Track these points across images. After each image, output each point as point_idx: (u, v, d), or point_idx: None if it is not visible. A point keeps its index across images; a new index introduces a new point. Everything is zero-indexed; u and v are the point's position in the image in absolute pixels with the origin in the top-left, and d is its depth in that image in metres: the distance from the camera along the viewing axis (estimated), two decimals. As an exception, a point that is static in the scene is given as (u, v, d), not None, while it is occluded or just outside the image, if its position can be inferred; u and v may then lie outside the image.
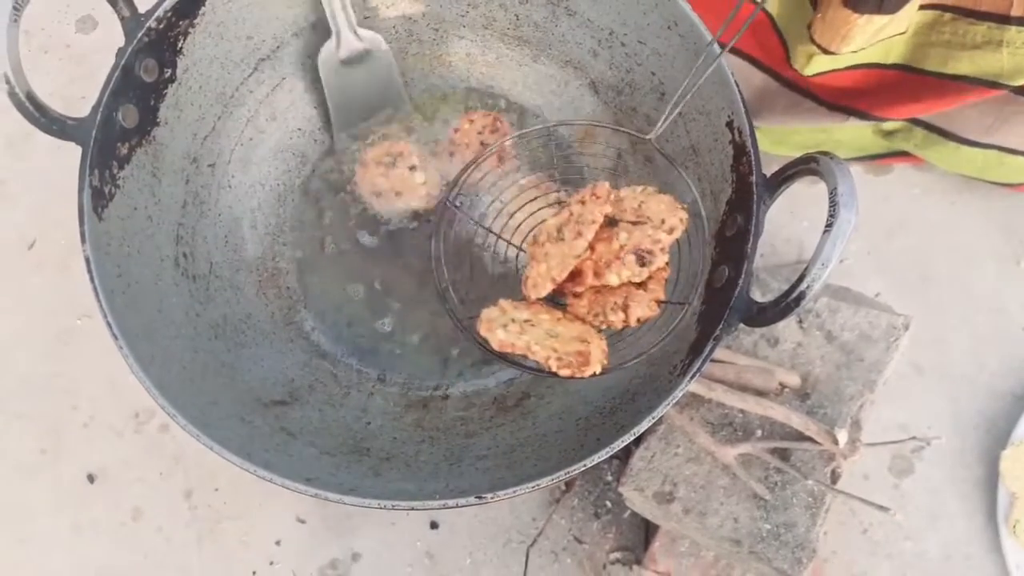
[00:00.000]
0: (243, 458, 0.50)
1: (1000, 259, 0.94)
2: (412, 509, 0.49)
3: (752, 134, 0.57)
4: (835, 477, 0.74)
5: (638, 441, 0.77)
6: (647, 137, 0.62)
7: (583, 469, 0.53)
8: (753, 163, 0.56)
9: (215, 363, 0.63)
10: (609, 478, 0.86)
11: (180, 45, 0.62)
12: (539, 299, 0.62)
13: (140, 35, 0.56)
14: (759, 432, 0.75)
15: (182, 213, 0.66)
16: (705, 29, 0.59)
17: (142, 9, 0.58)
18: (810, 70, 0.79)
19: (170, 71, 0.62)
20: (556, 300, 0.62)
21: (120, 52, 0.56)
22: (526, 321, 0.59)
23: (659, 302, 0.59)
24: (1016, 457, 0.84)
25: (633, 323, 0.59)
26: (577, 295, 0.61)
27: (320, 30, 0.73)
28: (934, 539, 0.85)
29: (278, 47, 0.71)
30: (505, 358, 0.60)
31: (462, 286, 0.67)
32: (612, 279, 0.59)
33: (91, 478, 0.88)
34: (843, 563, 0.84)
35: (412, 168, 0.76)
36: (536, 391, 0.71)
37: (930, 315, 0.92)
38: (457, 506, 0.50)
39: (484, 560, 0.85)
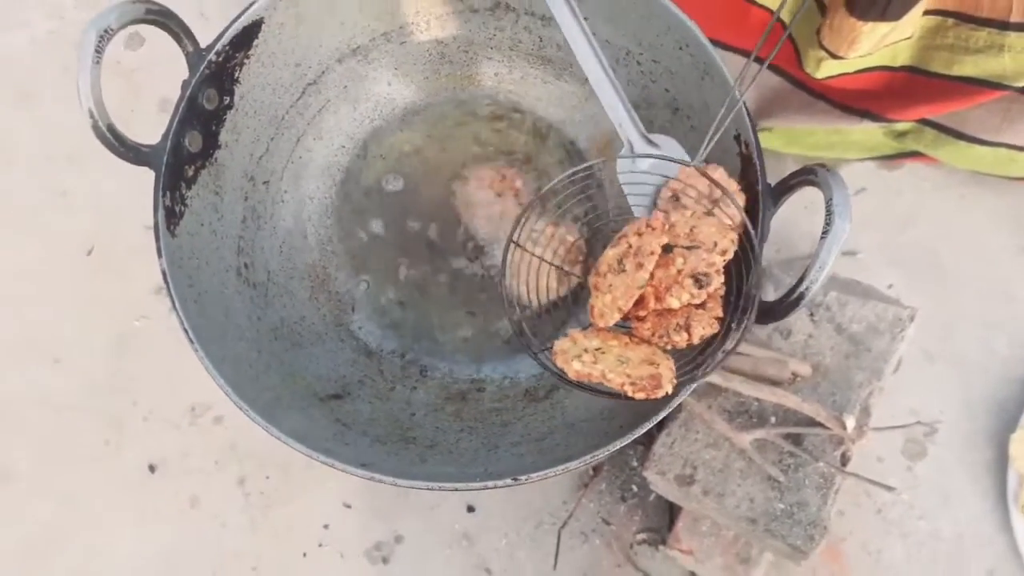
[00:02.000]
0: (307, 447, 0.57)
1: (1009, 249, 0.97)
2: (456, 490, 0.56)
3: (758, 147, 0.62)
4: (845, 460, 0.78)
5: (660, 428, 0.81)
6: (692, 164, 0.64)
7: (607, 454, 0.59)
8: (759, 173, 0.61)
9: (276, 362, 0.69)
10: (634, 463, 0.90)
11: (237, 75, 0.67)
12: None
13: (202, 68, 0.63)
14: (773, 419, 0.79)
15: (242, 227, 0.72)
16: (712, 50, 0.65)
17: (203, 44, 0.64)
18: (821, 73, 0.82)
19: (228, 99, 0.68)
20: (620, 324, 0.64)
21: (185, 84, 0.62)
22: (597, 349, 0.62)
23: (719, 319, 0.62)
24: None
25: (696, 341, 0.61)
26: (640, 319, 0.63)
27: (360, 54, 0.79)
28: (946, 519, 0.88)
29: (323, 72, 0.76)
30: (581, 386, 0.62)
31: (529, 317, 0.69)
32: (673, 303, 0.61)
33: (152, 468, 0.93)
34: (859, 542, 0.88)
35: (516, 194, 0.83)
36: (563, 384, 0.75)
37: (941, 304, 0.95)
38: (496, 487, 0.56)
39: (518, 541, 0.89)
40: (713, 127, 0.62)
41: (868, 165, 1.00)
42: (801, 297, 0.55)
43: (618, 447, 0.59)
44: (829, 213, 0.55)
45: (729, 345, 0.60)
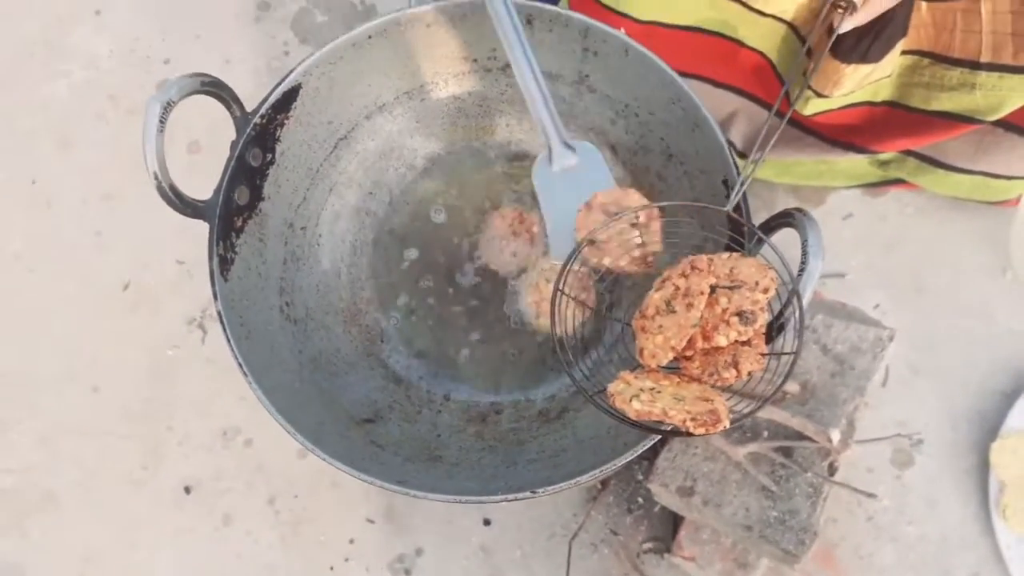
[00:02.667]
0: (350, 467, 0.64)
1: (987, 270, 1.02)
2: (481, 503, 0.64)
3: (744, 193, 0.69)
4: (832, 470, 0.84)
5: (663, 444, 0.87)
6: (724, 209, 0.69)
7: (615, 467, 0.65)
8: (744, 215, 0.68)
9: (316, 390, 0.76)
10: (640, 477, 0.94)
11: (278, 134, 0.75)
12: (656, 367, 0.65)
13: (248, 130, 0.71)
14: (765, 433, 0.85)
15: (283, 269, 0.79)
16: (701, 105, 0.72)
17: (248, 108, 0.72)
18: (809, 110, 0.87)
19: (271, 155, 0.75)
20: (667, 366, 0.65)
21: (233, 145, 0.70)
22: (651, 389, 0.62)
23: (764, 355, 0.63)
24: (1004, 448, 0.92)
25: (744, 376, 0.62)
26: (688, 358, 0.65)
27: (386, 111, 0.86)
28: (933, 523, 0.93)
29: (353, 128, 0.83)
30: (640, 425, 0.62)
31: (577, 357, 0.69)
32: (721, 340, 0.63)
33: (187, 489, 0.98)
34: (851, 547, 0.93)
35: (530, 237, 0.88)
36: (574, 405, 0.82)
37: (925, 322, 1.00)
38: (516, 499, 0.63)
39: (532, 552, 0.94)
40: (740, 180, 0.69)
41: (855, 192, 1.05)
42: (783, 326, 0.62)
43: (625, 461, 0.65)
44: (804, 253, 0.61)
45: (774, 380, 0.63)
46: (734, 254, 0.67)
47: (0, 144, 1.12)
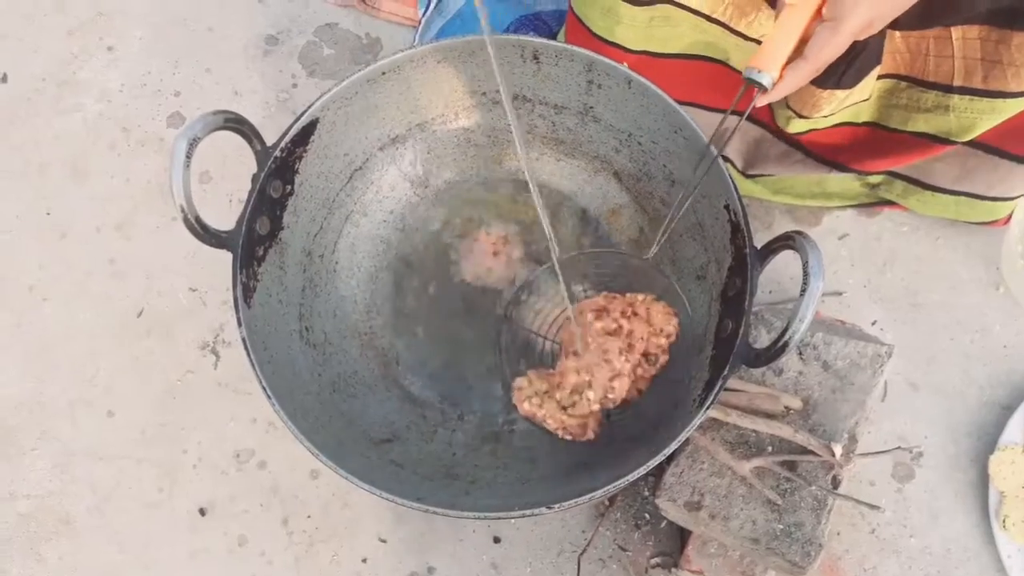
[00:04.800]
0: (371, 485, 0.66)
1: (982, 285, 1.05)
2: (499, 518, 0.67)
3: (744, 215, 0.72)
4: (836, 483, 0.85)
5: (669, 460, 0.89)
6: (645, 257, 0.81)
7: (625, 484, 0.68)
8: (746, 238, 0.71)
9: (335, 412, 0.79)
10: (646, 493, 0.95)
11: (297, 166, 0.78)
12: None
13: (269, 163, 0.74)
14: (769, 448, 0.86)
15: (302, 295, 0.82)
16: (702, 134, 0.76)
17: (269, 143, 0.75)
18: (792, 129, 0.91)
19: (290, 187, 0.78)
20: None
21: (255, 178, 0.73)
22: (546, 393, 0.76)
23: (639, 391, 0.79)
24: (1003, 460, 0.94)
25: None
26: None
27: (399, 142, 0.90)
28: (935, 535, 0.95)
29: (367, 160, 0.87)
30: (529, 421, 0.77)
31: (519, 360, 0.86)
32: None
33: (202, 511, 0.99)
34: (855, 560, 0.94)
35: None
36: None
37: (922, 337, 1.03)
38: (533, 514, 0.65)
39: (541, 569, 0.95)
40: (675, 205, 0.75)
41: (849, 212, 1.09)
42: (786, 345, 0.64)
43: (633, 478, 0.68)
44: (806, 274, 0.64)
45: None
46: (649, 297, 0.79)
47: (15, 176, 1.15)
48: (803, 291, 0.64)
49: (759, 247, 0.72)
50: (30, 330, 1.08)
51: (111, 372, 1.05)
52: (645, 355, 0.76)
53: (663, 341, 0.76)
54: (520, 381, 0.77)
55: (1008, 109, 0.82)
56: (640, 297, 0.80)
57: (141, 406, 1.03)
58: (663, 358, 0.77)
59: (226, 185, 1.13)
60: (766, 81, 0.71)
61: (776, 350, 0.66)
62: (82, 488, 1.01)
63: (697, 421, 0.69)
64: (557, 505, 0.67)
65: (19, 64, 1.21)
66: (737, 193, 0.74)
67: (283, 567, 0.98)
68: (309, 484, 1.01)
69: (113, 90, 1.20)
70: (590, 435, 0.73)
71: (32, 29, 1.23)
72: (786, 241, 0.69)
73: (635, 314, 0.79)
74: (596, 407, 0.77)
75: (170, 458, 1.01)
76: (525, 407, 0.75)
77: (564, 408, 0.76)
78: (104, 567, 0.99)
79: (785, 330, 0.65)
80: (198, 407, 1.03)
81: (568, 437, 0.74)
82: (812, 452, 0.84)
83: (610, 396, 0.77)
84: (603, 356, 0.77)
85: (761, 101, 0.74)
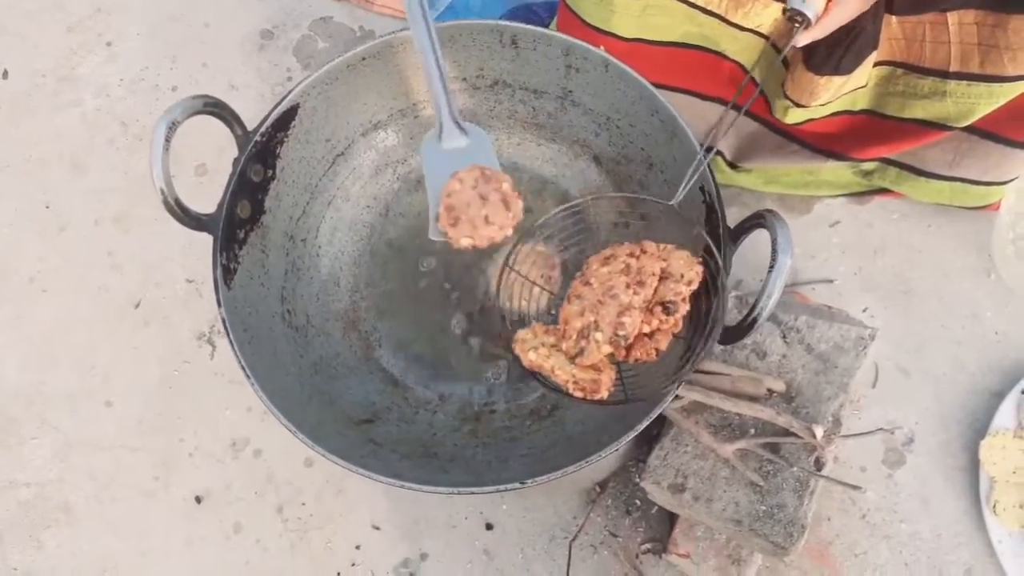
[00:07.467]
0: (347, 462, 0.67)
1: (973, 272, 1.05)
2: (472, 493, 0.67)
3: (719, 197, 0.73)
4: (819, 465, 0.86)
5: (654, 443, 0.90)
6: (670, 203, 0.73)
7: (597, 460, 0.69)
8: (720, 218, 0.73)
9: (317, 393, 0.80)
10: (637, 480, 0.94)
11: (278, 151, 0.79)
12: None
13: (249, 147, 0.76)
14: (752, 431, 0.87)
15: (284, 279, 0.84)
16: (677, 114, 0.78)
17: (250, 128, 0.76)
18: (789, 120, 0.92)
19: (271, 171, 0.80)
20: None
21: (235, 161, 0.75)
22: (553, 346, 0.69)
23: (657, 351, 0.69)
24: (993, 446, 0.95)
25: (632, 361, 0.70)
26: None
27: (380, 128, 0.90)
28: (926, 520, 0.95)
29: (350, 145, 0.88)
30: (533, 375, 0.69)
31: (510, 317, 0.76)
32: (644, 328, 0.68)
33: (198, 499, 1.00)
34: (846, 545, 0.95)
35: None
36: (564, 403, 0.85)
37: (913, 324, 1.03)
38: (506, 490, 0.66)
39: (533, 555, 0.96)
40: (690, 172, 0.73)
41: (841, 200, 1.09)
42: (755, 321, 0.66)
43: (607, 454, 0.69)
44: (774, 251, 0.65)
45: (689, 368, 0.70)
46: (668, 245, 0.71)
47: (15, 171, 1.18)
48: (771, 267, 0.66)
49: (732, 227, 0.73)
50: (30, 321, 1.10)
51: (109, 362, 1.07)
52: (663, 305, 0.68)
53: (683, 288, 0.68)
54: (523, 332, 0.70)
55: (1005, 93, 0.82)
56: (657, 245, 0.72)
57: (138, 396, 1.05)
58: (683, 307, 0.68)
59: (221, 178, 1.13)
60: (810, 13, 0.68)
61: (745, 326, 0.67)
62: (81, 476, 1.03)
63: (670, 398, 0.70)
64: (532, 480, 0.69)
65: (19, 60, 1.24)
66: (712, 176, 0.74)
67: (278, 553, 0.99)
68: (303, 472, 1.02)
69: (112, 85, 1.22)
70: (603, 393, 0.65)
71: (32, 26, 1.26)
72: (757, 220, 0.70)
73: (644, 252, 0.71)
74: (607, 348, 0.68)
75: (167, 447, 1.03)
76: (530, 357, 0.66)
77: (573, 359, 0.68)
78: (102, 554, 1.00)
79: (754, 306, 0.66)
80: (194, 397, 1.05)
81: (579, 395, 0.65)
82: (794, 434, 0.85)
83: (620, 333, 0.68)
84: (608, 293, 0.69)
85: (803, 40, 0.72)
